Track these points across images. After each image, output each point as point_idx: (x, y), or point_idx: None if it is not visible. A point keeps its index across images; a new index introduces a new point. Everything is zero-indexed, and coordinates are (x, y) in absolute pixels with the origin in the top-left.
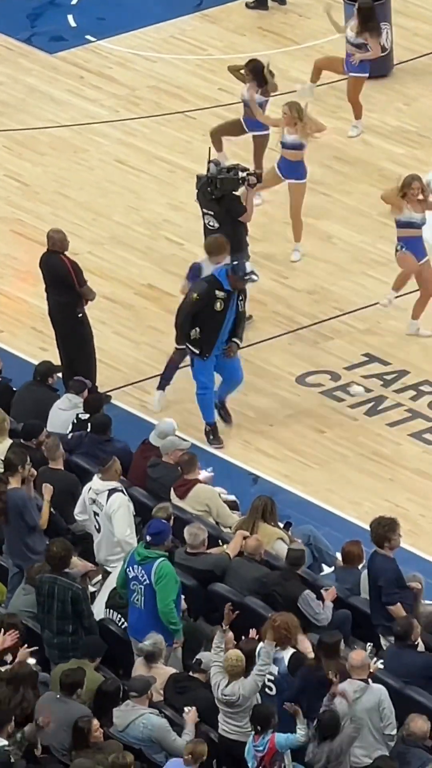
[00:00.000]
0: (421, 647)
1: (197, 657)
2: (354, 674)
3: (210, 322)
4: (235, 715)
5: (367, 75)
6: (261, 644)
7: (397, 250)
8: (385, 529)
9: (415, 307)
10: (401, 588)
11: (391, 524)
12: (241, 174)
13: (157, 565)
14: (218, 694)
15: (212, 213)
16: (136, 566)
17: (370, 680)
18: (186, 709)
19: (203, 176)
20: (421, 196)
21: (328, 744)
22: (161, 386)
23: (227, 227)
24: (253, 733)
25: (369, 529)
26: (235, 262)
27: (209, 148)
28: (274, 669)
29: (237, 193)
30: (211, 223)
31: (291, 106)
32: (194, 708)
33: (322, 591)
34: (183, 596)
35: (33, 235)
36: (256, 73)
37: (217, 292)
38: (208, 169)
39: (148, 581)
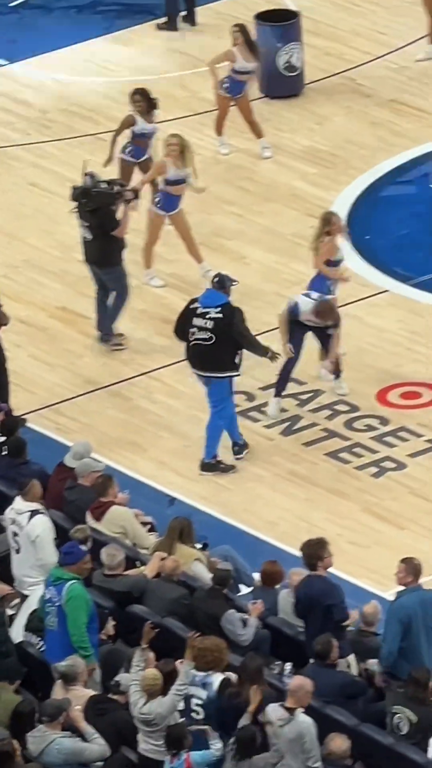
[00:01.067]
0: (347, 668)
1: (116, 679)
2: (288, 699)
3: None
4: (153, 733)
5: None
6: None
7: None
8: (315, 547)
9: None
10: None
11: (319, 542)
12: (116, 188)
13: (68, 587)
14: (136, 712)
15: (87, 225)
16: (51, 587)
17: (300, 710)
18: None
19: (79, 187)
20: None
21: (246, 763)
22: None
23: (101, 240)
24: (168, 755)
25: (300, 554)
26: (217, 278)
27: (84, 161)
28: (203, 693)
29: (113, 207)
30: (86, 235)
31: (178, 139)
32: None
33: (249, 604)
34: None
35: None
36: (147, 99)
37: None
38: (84, 182)
39: (60, 602)
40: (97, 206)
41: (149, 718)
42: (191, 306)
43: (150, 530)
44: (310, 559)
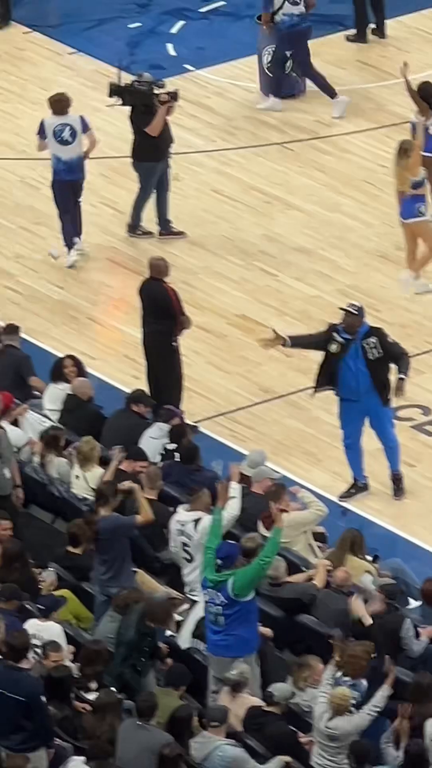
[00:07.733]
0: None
1: (269, 690)
2: None
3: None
4: (333, 749)
5: None
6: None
7: None
8: None
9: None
10: None
11: None
12: (156, 90)
13: (232, 583)
14: (321, 726)
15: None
16: (210, 590)
17: None
18: None
19: (115, 85)
20: None
21: None
22: None
23: (135, 136)
24: None
25: None
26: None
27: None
28: (356, 694)
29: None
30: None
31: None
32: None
33: (419, 629)
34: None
35: (127, 263)
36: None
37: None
38: (119, 79)
39: (226, 601)
40: (133, 104)
41: (335, 734)
42: None
43: (321, 541)
44: None
